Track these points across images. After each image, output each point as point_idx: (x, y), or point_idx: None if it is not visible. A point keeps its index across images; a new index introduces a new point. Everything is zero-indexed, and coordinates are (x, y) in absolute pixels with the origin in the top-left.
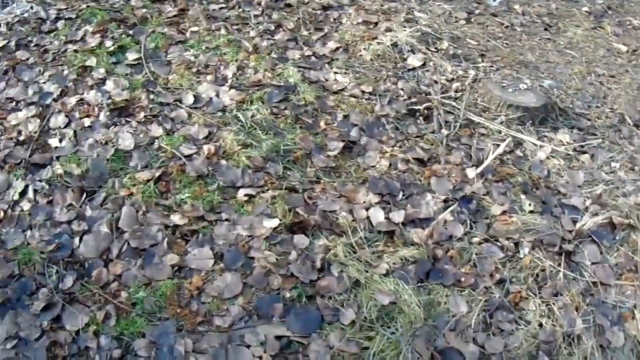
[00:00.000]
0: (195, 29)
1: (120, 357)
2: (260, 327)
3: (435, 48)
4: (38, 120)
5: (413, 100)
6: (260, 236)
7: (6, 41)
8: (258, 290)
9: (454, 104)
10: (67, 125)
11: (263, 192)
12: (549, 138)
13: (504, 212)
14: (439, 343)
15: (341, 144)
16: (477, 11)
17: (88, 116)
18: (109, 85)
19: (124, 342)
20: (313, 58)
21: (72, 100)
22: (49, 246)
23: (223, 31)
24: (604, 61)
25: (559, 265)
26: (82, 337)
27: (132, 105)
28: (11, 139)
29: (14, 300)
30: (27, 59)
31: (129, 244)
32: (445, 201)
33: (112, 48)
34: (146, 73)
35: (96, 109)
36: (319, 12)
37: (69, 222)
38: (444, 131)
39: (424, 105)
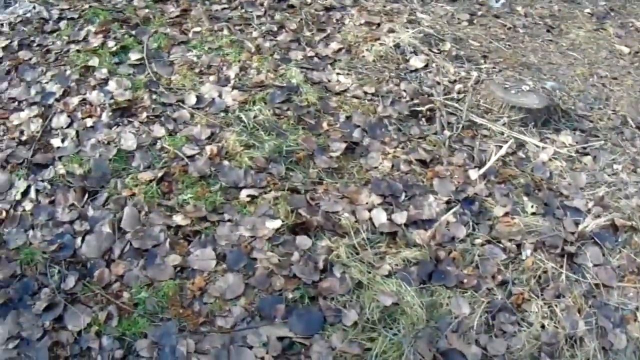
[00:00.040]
0: (197, 29)
1: (122, 358)
2: (262, 328)
3: (438, 49)
4: (40, 120)
5: (415, 101)
6: (263, 237)
7: (9, 41)
8: (260, 291)
9: (456, 105)
10: (70, 125)
11: (265, 192)
12: (552, 140)
13: (506, 214)
14: (441, 344)
15: (344, 145)
16: (479, 13)
17: (90, 116)
18: (112, 85)
19: (126, 342)
20: (316, 59)
21: (74, 101)
22: (51, 246)
23: (225, 32)
24: (607, 63)
25: (561, 267)
26: (84, 337)
27: (135, 106)
28: (13, 138)
29: (16, 300)
30: (30, 59)
31: (131, 244)
32: (447, 202)
33: (114, 48)
34: (149, 73)
35: (98, 109)
36: (321, 13)
37: (71, 222)
38: (447, 132)
39: (427, 106)
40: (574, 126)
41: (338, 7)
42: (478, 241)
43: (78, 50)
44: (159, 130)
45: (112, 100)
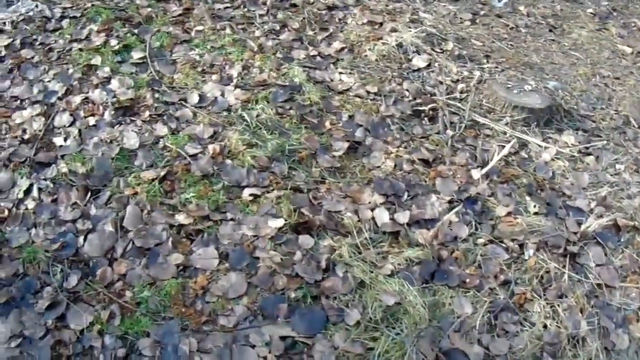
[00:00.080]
0: (200, 28)
1: (124, 357)
2: (265, 327)
3: (441, 49)
4: (43, 119)
5: (418, 101)
6: (265, 236)
7: (11, 40)
8: (263, 290)
9: (459, 105)
10: (72, 124)
11: (268, 192)
12: (554, 140)
13: (508, 214)
14: (443, 344)
15: (346, 144)
16: (482, 12)
17: (93, 115)
18: (114, 84)
19: (128, 341)
20: (318, 58)
21: (77, 99)
22: (53, 245)
23: (228, 30)
24: (609, 63)
25: (564, 267)
26: (87, 336)
27: (137, 104)
28: (16, 137)
29: (18, 298)
30: (32, 57)
31: (133, 243)
32: (450, 202)
33: (117, 47)
34: (151, 72)
35: (101, 107)
36: (324, 12)
37: (74, 221)
38: (449, 132)
39: (429, 106)
40: (577, 126)
41: (340, 7)
42: (480, 241)
43: (80, 49)
44: (161, 129)
45: (114, 99)
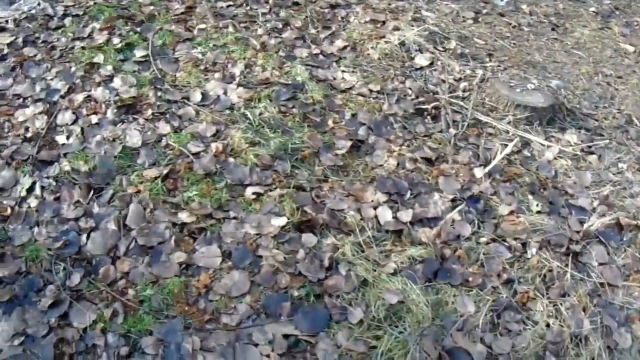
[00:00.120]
0: (202, 26)
1: (127, 355)
2: (268, 326)
3: (443, 47)
4: (45, 117)
5: (421, 99)
6: (268, 234)
7: (14, 38)
8: (266, 288)
9: (461, 103)
10: (75, 122)
11: (271, 190)
12: (557, 138)
13: (511, 212)
14: (446, 343)
15: (349, 143)
16: (484, 11)
17: (95, 113)
18: (117, 82)
19: (131, 339)
20: (321, 56)
21: (79, 97)
22: (56, 243)
23: (231, 29)
24: (611, 62)
25: (567, 265)
26: (90, 334)
27: (140, 103)
28: (18, 135)
29: (21, 297)
30: (35, 55)
31: (136, 241)
32: (453, 201)
33: (119, 45)
34: (154, 70)
35: (103, 106)
36: (326, 10)
37: (76, 219)
38: (452, 131)
39: (432, 104)
40: (579, 125)
41: (343, 5)
42: (483, 239)
43: (83, 47)
44: (164, 127)
45: (117, 97)
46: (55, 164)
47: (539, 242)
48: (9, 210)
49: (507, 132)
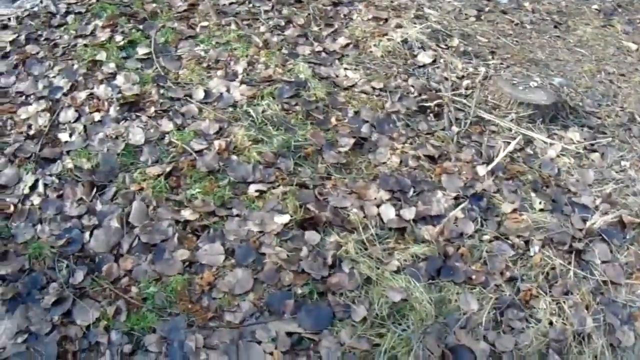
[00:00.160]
0: (205, 24)
1: (130, 353)
2: (271, 324)
3: (446, 45)
4: (48, 115)
5: (423, 97)
6: (271, 232)
7: (16, 35)
8: (269, 286)
9: (464, 101)
10: (77, 119)
11: (274, 187)
12: (559, 136)
13: (514, 210)
14: (449, 340)
15: (352, 140)
16: (487, 8)
17: (98, 111)
18: (119, 79)
19: (134, 337)
20: (323, 54)
21: (82, 95)
22: (59, 240)
23: (233, 26)
24: (614, 59)
25: (569, 263)
26: (93, 332)
27: (143, 100)
28: (21, 133)
29: (24, 294)
30: (37, 53)
31: (139, 239)
32: (455, 198)
33: (122, 42)
34: (156, 68)
35: (106, 103)
36: (329, 7)
37: (80, 217)
38: (455, 128)
39: (435, 102)
40: (582, 123)
41: (345, 2)
42: (486, 237)
43: (85, 45)
44: (167, 125)
45: (119, 95)
46: (58, 161)
47: (542, 240)
48: (12, 208)
49: (510, 129)
